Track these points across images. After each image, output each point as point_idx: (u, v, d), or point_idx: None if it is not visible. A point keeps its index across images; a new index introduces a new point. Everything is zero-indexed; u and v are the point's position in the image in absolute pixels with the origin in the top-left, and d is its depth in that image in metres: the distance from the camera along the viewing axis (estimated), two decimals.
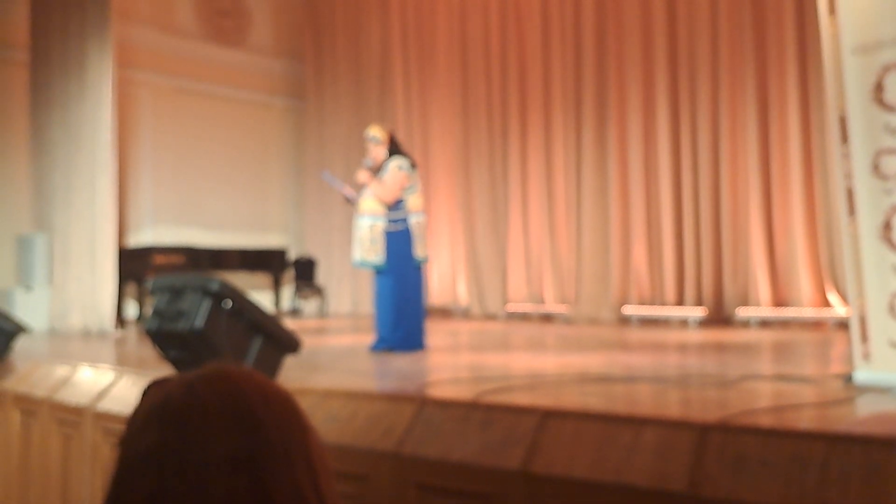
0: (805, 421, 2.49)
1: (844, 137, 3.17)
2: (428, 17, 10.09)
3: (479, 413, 2.41)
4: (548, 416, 2.24)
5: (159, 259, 8.97)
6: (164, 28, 10.31)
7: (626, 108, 8.29)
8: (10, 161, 8.75)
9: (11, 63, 8.80)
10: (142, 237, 9.91)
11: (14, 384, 4.06)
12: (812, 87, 7.04)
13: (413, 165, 5.36)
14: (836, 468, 1.73)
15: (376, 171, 5.36)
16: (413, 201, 5.31)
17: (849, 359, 3.41)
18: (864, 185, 3.11)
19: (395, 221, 5.24)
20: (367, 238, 5.22)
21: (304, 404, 2.82)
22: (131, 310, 9.35)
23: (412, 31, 10.26)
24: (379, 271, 5.29)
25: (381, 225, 5.23)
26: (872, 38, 3.07)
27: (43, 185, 8.30)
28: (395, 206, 5.26)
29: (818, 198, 7.05)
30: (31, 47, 8.56)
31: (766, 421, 2.27)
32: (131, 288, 9.13)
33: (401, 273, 5.22)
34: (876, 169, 3.08)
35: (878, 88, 3.04)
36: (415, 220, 5.27)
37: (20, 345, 5.60)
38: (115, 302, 8.06)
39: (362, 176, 5.32)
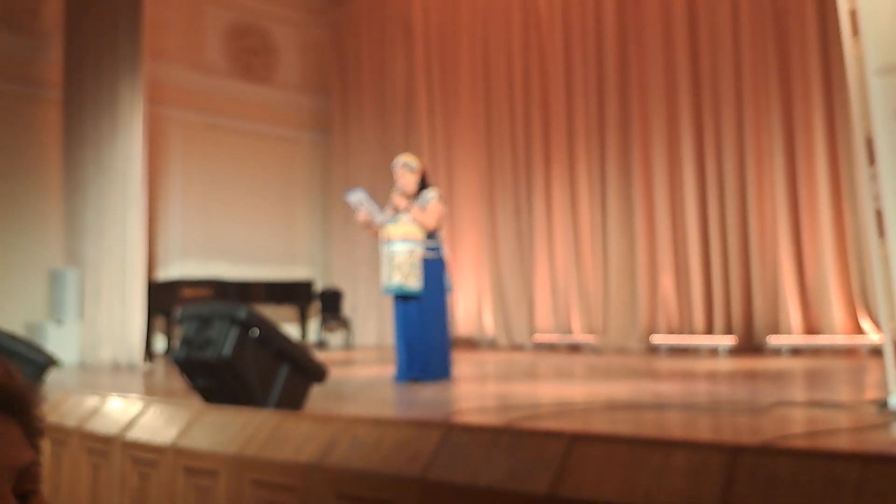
0: (840, 445, 2.43)
1: (871, 159, 3.14)
2: (451, 51, 10.20)
3: (506, 438, 2.39)
4: (575, 440, 2.22)
5: (187, 292, 9.06)
6: (194, 66, 10.53)
7: (649, 133, 8.28)
8: (44, 197, 8.93)
9: (46, 101, 9.03)
10: (171, 271, 10.02)
11: (45, 414, 4.10)
12: (838, 110, 6.99)
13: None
14: (871, 489, 1.69)
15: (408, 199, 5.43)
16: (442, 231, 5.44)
17: (883, 384, 3.34)
18: (893, 206, 3.07)
19: (432, 249, 5.30)
20: (406, 263, 5.22)
21: (330, 431, 2.82)
22: (160, 343, 9.43)
23: (436, 65, 10.38)
24: (412, 298, 5.29)
25: (420, 251, 5.26)
26: None
27: (75, 220, 8.45)
28: (432, 234, 5.33)
29: (848, 222, 6.96)
30: (64, 86, 8.77)
31: (802, 445, 2.22)
32: (160, 321, 9.22)
33: (434, 300, 5.26)
34: None
35: None
36: (447, 249, 5.37)
37: (51, 378, 5.66)
38: (144, 335, 8.13)
39: (401, 202, 5.35)
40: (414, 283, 5.21)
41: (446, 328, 5.39)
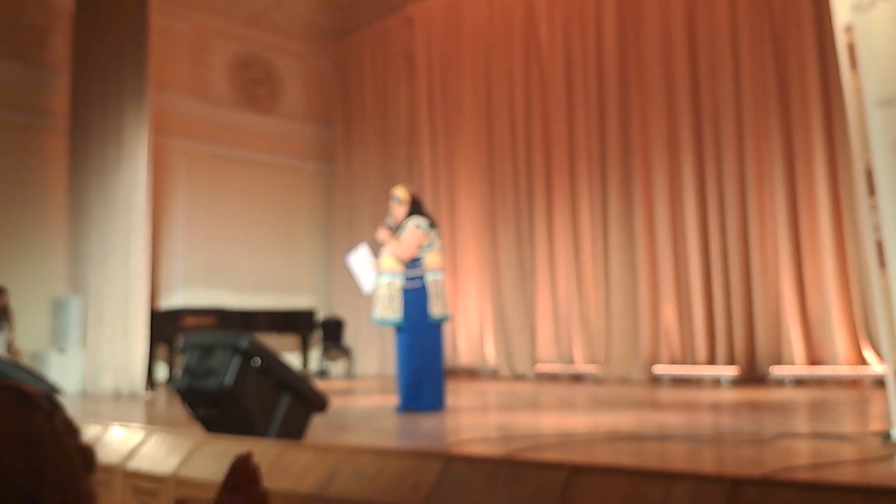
0: (843, 478, 2.42)
1: (871, 190, 3.16)
2: (453, 81, 10.30)
3: (506, 469, 2.38)
4: (577, 472, 2.21)
5: (190, 321, 9.07)
6: (199, 96, 10.64)
7: (651, 164, 8.32)
8: (49, 225, 8.97)
9: (52, 130, 9.12)
10: (173, 299, 10.03)
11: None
12: (838, 141, 7.03)
13: (432, 225, 5.43)
14: None
15: (396, 229, 5.45)
16: (430, 259, 5.35)
17: (887, 416, 3.33)
18: (893, 236, 3.08)
19: (412, 279, 5.29)
20: (385, 295, 5.28)
21: (331, 461, 2.81)
22: (162, 372, 9.41)
23: (438, 95, 10.47)
24: (397, 328, 5.32)
25: (398, 282, 5.29)
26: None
27: (79, 248, 8.48)
28: (413, 263, 5.31)
29: (849, 252, 6.96)
30: (71, 115, 8.86)
31: (802, 477, 2.22)
32: (162, 350, 9.21)
33: (418, 330, 5.24)
34: None
35: None
36: (431, 278, 5.30)
37: None
38: (147, 364, 8.12)
39: (382, 234, 5.42)
40: (392, 314, 5.26)
41: (438, 358, 5.34)
